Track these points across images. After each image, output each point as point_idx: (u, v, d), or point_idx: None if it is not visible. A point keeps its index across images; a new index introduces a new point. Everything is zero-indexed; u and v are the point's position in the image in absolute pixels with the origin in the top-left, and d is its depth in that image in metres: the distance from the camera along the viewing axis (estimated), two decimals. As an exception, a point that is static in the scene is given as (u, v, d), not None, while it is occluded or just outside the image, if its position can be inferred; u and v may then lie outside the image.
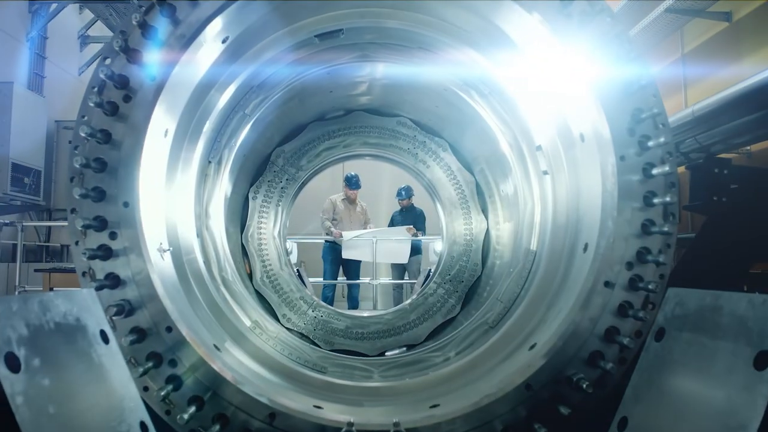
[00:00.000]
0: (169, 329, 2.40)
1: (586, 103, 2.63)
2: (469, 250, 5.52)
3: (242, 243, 5.38)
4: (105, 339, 1.75)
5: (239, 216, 5.39)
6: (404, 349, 5.39)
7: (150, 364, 2.38)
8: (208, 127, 3.10)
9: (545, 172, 3.31)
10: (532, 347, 2.71)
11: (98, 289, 2.37)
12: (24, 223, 7.63)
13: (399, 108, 5.42)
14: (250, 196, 5.42)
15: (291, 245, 8.35)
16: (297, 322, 5.32)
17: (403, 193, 8.83)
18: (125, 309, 2.40)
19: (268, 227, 5.51)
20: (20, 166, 9.13)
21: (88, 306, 1.69)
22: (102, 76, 2.42)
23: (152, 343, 2.42)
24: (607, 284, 2.50)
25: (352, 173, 8.41)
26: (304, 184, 5.88)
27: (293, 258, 8.41)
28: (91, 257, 2.40)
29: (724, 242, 3.19)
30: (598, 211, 2.62)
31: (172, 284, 2.62)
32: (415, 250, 8.83)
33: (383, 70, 4.55)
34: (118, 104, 2.49)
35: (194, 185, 3.18)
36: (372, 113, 5.54)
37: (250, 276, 5.40)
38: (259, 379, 2.66)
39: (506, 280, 3.48)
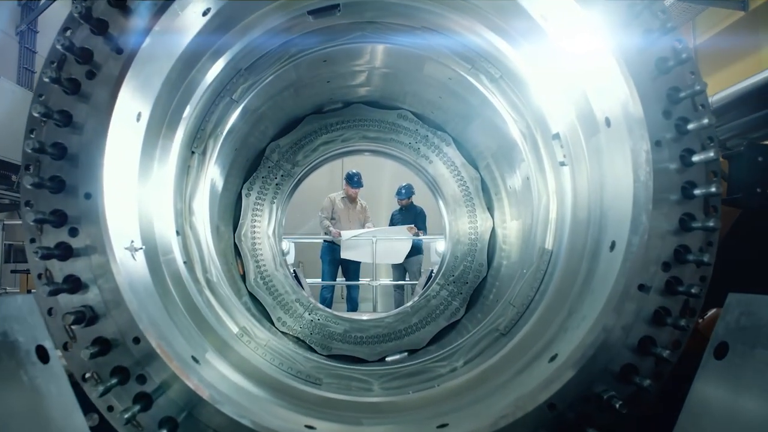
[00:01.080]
0: (136, 340, 2.05)
1: (614, 81, 2.29)
2: (474, 250, 5.17)
3: (235, 242, 5.04)
4: (43, 357, 1.41)
5: (231, 214, 5.05)
6: (405, 354, 5.06)
7: (114, 381, 2.03)
8: (189, 112, 2.75)
9: (562, 163, 2.96)
10: (552, 359, 2.37)
11: (54, 293, 2.03)
12: (6, 222, 7.25)
13: (400, 100, 5.08)
14: (243, 192, 5.08)
15: (288, 245, 8.03)
16: (293, 325, 4.98)
17: (403, 191, 8.48)
18: (86, 316, 2.05)
19: (263, 226, 5.17)
20: (7, 163, 8.76)
21: (21, 317, 1.35)
22: (60, 47, 2.07)
23: (118, 356, 2.07)
24: (641, 288, 2.16)
25: (354, 171, 8.06)
26: (300, 180, 5.54)
27: (290, 258, 8.09)
28: (46, 256, 2.05)
29: (762, 240, 2.86)
30: (628, 205, 2.28)
31: (144, 288, 2.27)
32: (417, 250, 8.47)
33: (383, 57, 4.21)
34: (80, 81, 2.15)
35: (174, 178, 2.83)
36: (372, 106, 5.20)
37: (244, 277, 5.06)
38: (244, 396, 2.31)
39: (519, 281, 3.14)
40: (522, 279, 3.13)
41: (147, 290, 2.31)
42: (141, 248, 2.35)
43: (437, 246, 8.16)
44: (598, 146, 2.58)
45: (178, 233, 2.86)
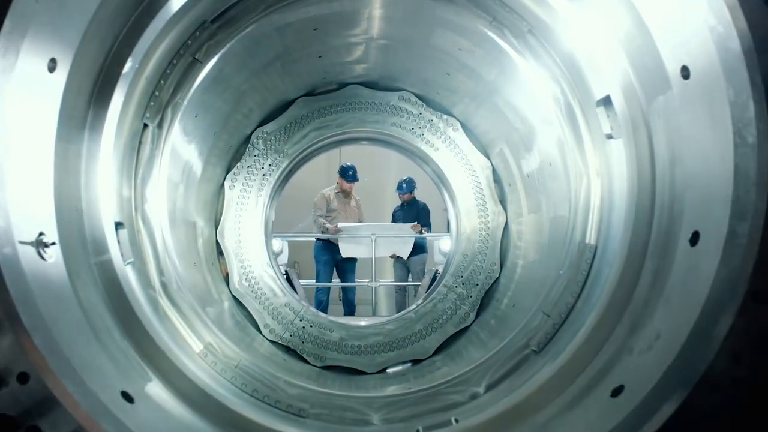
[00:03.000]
0: (23, 377, 1.36)
1: (704, 10, 1.60)
2: (485, 248, 4.49)
3: (216, 240, 4.36)
4: None
5: (213, 208, 4.37)
6: (409, 364, 4.40)
7: (-8, 438, 1.35)
8: (132, 68, 2.05)
9: (610, 136, 2.28)
10: (617, 392, 1.68)
11: None
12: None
13: (401, 80, 4.40)
14: (226, 184, 4.39)
15: (281, 244, 7.32)
16: (281, 333, 4.31)
17: (404, 186, 7.73)
18: (-49, 343, 1.36)
19: (248, 222, 4.49)
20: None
21: None
22: None
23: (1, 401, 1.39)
24: (756, 297, 1.47)
25: (348, 164, 7.36)
26: (291, 172, 4.86)
27: (284, 258, 7.38)
28: None
29: None
30: (723, 180, 1.59)
31: (53, 299, 1.58)
32: (420, 248, 7.72)
33: (382, 24, 3.53)
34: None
35: (117, 155, 2.14)
36: (370, 87, 4.52)
37: (227, 280, 4.38)
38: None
39: (554, 285, 2.45)
40: (558, 282, 2.44)
41: (59, 302, 1.62)
42: (52, 243, 1.66)
43: (441, 244, 7.43)
44: (668, 107, 1.90)
45: (121, 226, 2.17)
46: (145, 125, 2.37)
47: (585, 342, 1.98)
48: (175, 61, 2.35)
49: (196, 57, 2.46)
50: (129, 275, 2.06)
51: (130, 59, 2.01)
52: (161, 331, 2.07)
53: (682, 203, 1.83)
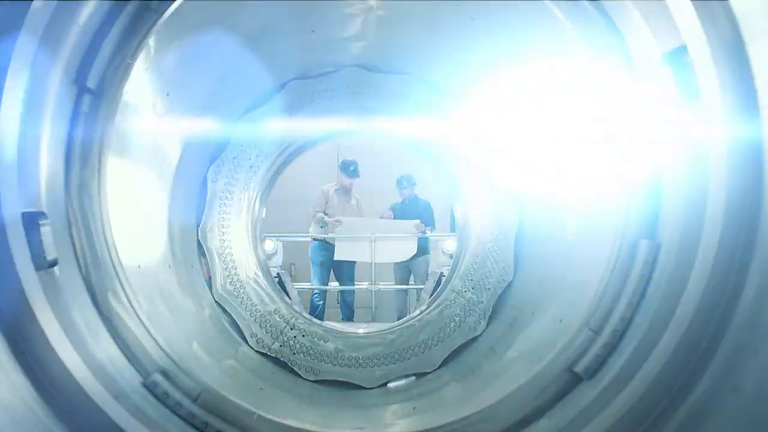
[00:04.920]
0: None
1: None
2: (497, 248, 3.94)
3: (198, 239, 3.81)
4: None
5: (194, 204, 3.82)
6: (413, 378, 3.85)
7: None
8: (49, 5, 1.48)
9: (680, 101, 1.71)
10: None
11: None
12: None
13: (405, 60, 3.85)
14: (209, 177, 3.86)
15: (275, 245, 6.74)
16: (270, 343, 3.77)
17: (404, 182, 7.11)
18: None
19: (234, 220, 3.96)
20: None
21: None
22: None
23: None
24: None
25: (350, 158, 6.81)
26: (282, 166, 4.34)
27: (278, 260, 6.80)
28: None
29: None
30: None
31: None
32: (422, 249, 7.10)
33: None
34: None
35: (33, 123, 1.57)
36: (370, 70, 3.96)
37: (210, 284, 3.83)
38: None
39: (599, 292, 1.87)
40: (605, 289, 1.86)
41: None
42: None
43: (444, 245, 6.83)
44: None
45: (42, 217, 1.59)
46: (82, 89, 1.80)
47: (662, 371, 1.41)
48: (120, 3, 1.78)
49: (150, 6, 1.88)
50: (45, 283, 1.48)
51: (43, -8, 1.44)
52: (93, 356, 1.50)
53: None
